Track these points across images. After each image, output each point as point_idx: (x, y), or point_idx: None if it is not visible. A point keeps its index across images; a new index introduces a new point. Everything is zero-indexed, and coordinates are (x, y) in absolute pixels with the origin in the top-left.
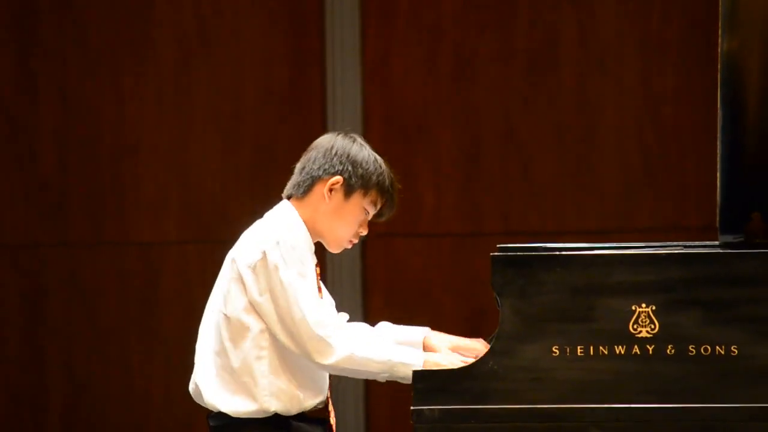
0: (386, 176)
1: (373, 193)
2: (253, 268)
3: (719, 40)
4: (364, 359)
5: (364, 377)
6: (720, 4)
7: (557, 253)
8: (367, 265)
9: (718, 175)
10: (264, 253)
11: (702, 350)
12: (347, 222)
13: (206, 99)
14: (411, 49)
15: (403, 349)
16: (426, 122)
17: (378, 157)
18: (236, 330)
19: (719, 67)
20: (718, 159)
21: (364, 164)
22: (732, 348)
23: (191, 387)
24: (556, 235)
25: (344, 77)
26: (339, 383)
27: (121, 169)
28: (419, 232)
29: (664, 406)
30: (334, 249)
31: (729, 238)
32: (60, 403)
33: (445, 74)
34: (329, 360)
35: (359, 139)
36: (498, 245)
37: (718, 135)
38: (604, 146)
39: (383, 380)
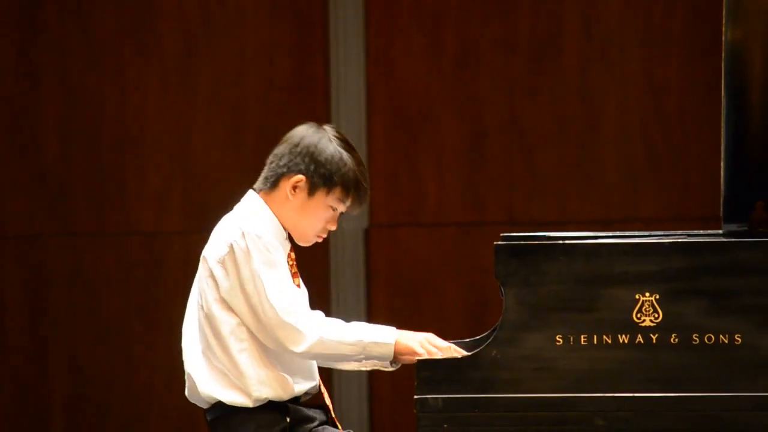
0: (350, 174)
1: (337, 191)
2: (222, 263)
3: (723, 30)
4: (335, 342)
5: (341, 362)
6: None
7: (561, 242)
8: (370, 254)
9: (722, 165)
10: (231, 246)
11: (705, 339)
12: (312, 219)
13: (210, 89)
14: (414, 38)
15: (374, 328)
16: (429, 112)
17: (344, 154)
18: (215, 326)
19: (723, 57)
20: (722, 149)
21: (326, 164)
22: (735, 337)
23: (187, 392)
24: (559, 224)
25: (348, 67)
26: (340, 371)
27: (125, 159)
28: (422, 222)
29: (667, 395)
30: (301, 243)
31: (732, 228)
32: (63, 393)
33: (449, 64)
34: (301, 347)
35: (330, 133)
36: (501, 234)
37: (722, 125)
38: (607, 136)
39: (361, 363)
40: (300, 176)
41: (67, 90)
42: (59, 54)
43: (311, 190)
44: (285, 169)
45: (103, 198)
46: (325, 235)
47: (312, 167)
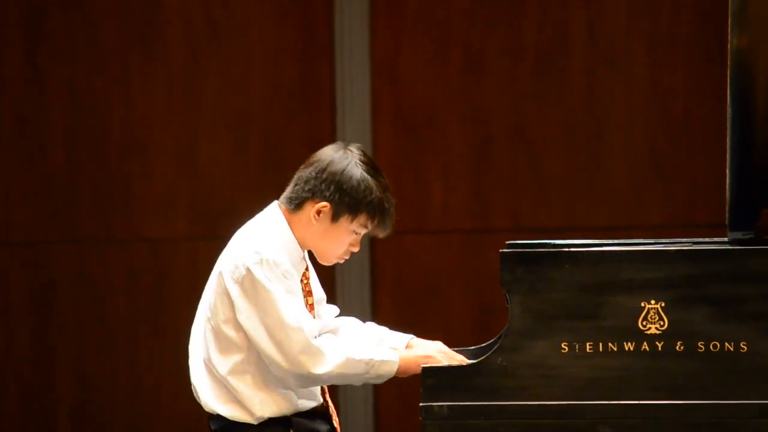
0: (376, 202)
1: (361, 218)
2: (240, 284)
3: (729, 37)
4: (353, 361)
5: (350, 381)
6: (730, 0)
7: (566, 249)
8: (375, 261)
9: (728, 171)
10: (248, 269)
11: (711, 347)
12: (335, 243)
13: (215, 95)
14: (420, 44)
15: (380, 347)
16: (435, 118)
17: (371, 180)
18: (222, 343)
19: (729, 63)
20: (728, 156)
21: (352, 191)
22: (741, 344)
23: (192, 389)
24: (564, 231)
25: (353, 73)
26: None
27: (131, 165)
28: (428, 229)
29: (673, 403)
30: (322, 263)
31: (738, 235)
32: (69, 400)
33: (455, 70)
34: (324, 368)
35: (356, 157)
36: (507, 242)
37: (728, 132)
38: (613, 143)
39: (360, 383)
40: (324, 203)
41: (73, 97)
42: (65, 61)
43: (335, 217)
44: (309, 194)
45: (109, 204)
46: (347, 257)
47: (337, 195)
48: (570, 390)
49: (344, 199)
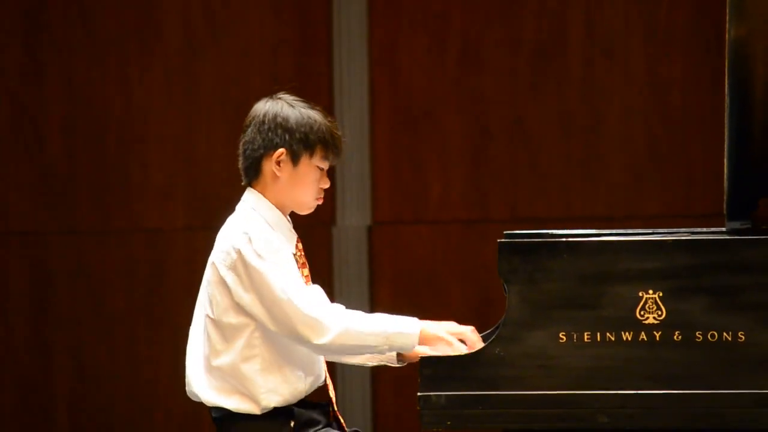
0: (324, 128)
1: (318, 150)
2: (233, 269)
3: (726, 28)
4: (359, 332)
5: (363, 353)
6: None
7: (564, 239)
8: (373, 252)
9: (725, 162)
10: (239, 251)
11: (709, 337)
12: (305, 185)
13: (213, 86)
14: (418, 36)
15: (399, 318)
16: (433, 110)
17: (310, 113)
18: (225, 333)
19: (726, 54)
20: (725, 146)
21: (298, 128)
22: (739, 334)
23: (187, 389)
24: (562, 222)
25: (351, 65)
26: (344, 368)
27: (129, 156)
28: (426, 219)
29: (670, 392)
30: (304, 212)
31: (736, 225)
32: (67, 391)
33: (452, 62)
34: (325, 338)
35: (287, 99)
36: (505, 232)
37: (725, 122)
38: (611, 134)
39: (383, 353)
40: (280, 150)
41: (71, 87)
42: (63, 52)
43: (294, 159)
44: (262, 150)
45: (107, 195)
46: (322, 195)
47: (287, 136)
48: (568, 380)
49: (295, 137)
